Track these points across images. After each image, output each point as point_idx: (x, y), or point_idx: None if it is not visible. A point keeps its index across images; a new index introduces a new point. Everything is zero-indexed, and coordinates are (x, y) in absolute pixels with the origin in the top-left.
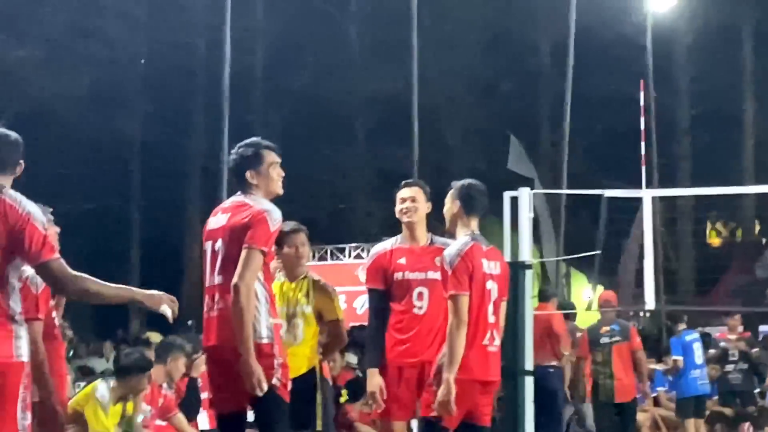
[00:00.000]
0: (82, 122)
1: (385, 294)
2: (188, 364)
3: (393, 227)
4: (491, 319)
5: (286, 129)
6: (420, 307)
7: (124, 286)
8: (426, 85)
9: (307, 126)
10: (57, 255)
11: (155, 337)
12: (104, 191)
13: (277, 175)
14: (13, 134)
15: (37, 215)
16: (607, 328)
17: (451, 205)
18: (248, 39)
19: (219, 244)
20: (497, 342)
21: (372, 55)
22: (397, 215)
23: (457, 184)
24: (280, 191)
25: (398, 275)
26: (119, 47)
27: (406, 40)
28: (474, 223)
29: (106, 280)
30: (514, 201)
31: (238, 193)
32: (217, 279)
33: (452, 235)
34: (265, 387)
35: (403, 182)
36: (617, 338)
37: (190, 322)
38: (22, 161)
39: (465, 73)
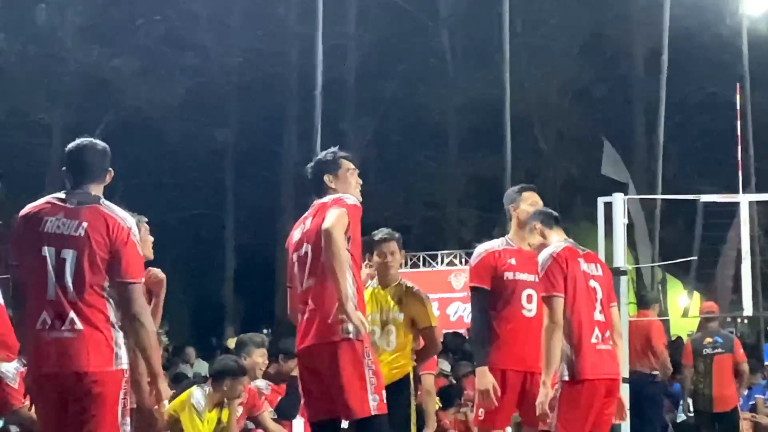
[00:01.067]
0: (176, 131)
1: (490, 294)
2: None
3: (486, 233)
4: (599, 317)
5: (378, 136)
6: (529, 310)
7: (160, 367)
8: (518, 91)
9: (400, 133)
10: (142, 280)
11: (233, 343)
12: (198, 199)
13: (355, 181)
14: (101, 143)
15: (136, 232)
16: (710, 339)
17: (535, 234)
18: (341, 47)
19: (305, 248)
20: (609, 340)
21: (464, 62)
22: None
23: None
24: (359, 198)
25: (508, 275)
26: (213, 57)
27: (498, 46)
28: (561, 233)
29: (201, 288)
30: (608, 207)
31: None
32: (309, 282)
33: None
34: (364, 331)
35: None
36: (720, 350)
37: (265, 331)
38: (111, 169)
39: (558, 78)
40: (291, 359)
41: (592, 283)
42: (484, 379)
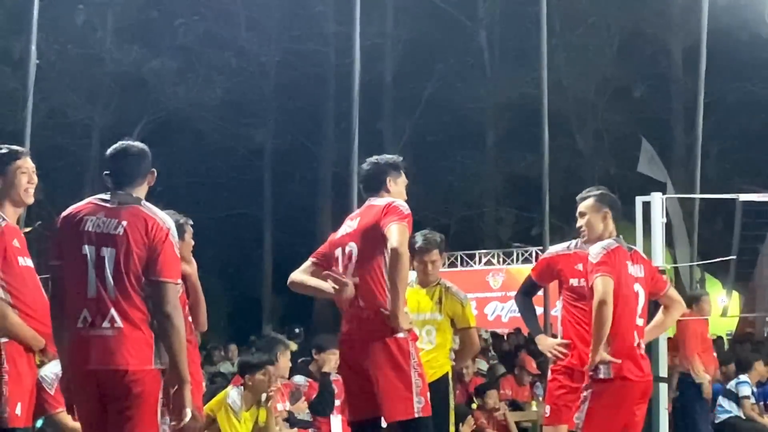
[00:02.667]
0: (215, 131)
1: (538, 287)
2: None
3: (523, 233)
4: (639, 321)
5: (415, 136)
6: None
7: (187, 372)
8: (556, 90)
9: (437, 133)
10: (179, 281)
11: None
12: (237, 198)
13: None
14: (140, 145)
15: (175, 233)
16: None
17: (597, 213)
18: (378, 47)
19: (351, 246)
20: (643, 345)
21: (502, 61)
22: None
23: (595, 194)
24: None
25: (573, 281)
26: (251, 57)
27: (535, 45)
28: (614, 228)
29: (239, 287)
30: (647, 206)
31: (372, 195)
32: (354, 281)
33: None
34: (405, 326)
35: (578, 197)
36: None
37: (297, 330)
38: (153, 170)
39: (596, 77)
40: (323, 353)
41: (636, 287)
42: (547, 341)
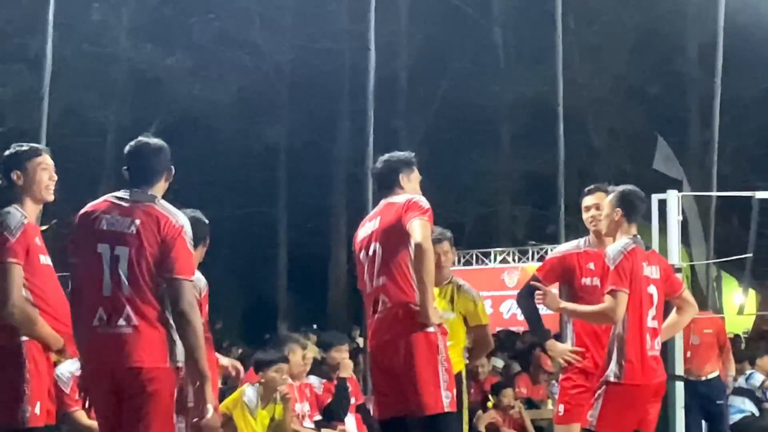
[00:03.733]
0: (229, 129)
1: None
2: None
3: (538, 231)
4: (652, 324)
5: (430, 134)
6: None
7: (207, 369)
8: (571, 87)
9: (452, 131)
10: (192, 278)
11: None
12: (251, 197)
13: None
14: (159, 142)
15: (188, 230)
16: None
17: (610, 212)
18: (393, 45)
19: (374, 247)
20: (657, 346)
21: (516, 59)
22: (586, 224)
23: (616, 190)
24: None
25: (586, 281)
26: (265, 55)
27: (550, 43)
28: (634, 229)
29: (254, 285)
30: (662, 203)
31: (387, 194)
32: (380, 281)
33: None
34: (435, 320)
35: (586, 189)
36: None
37: (315, 326)
38: (171, 167)
39: (611, 74)
40: (331, 350)
41: (651, 288)
42: (558, 347)
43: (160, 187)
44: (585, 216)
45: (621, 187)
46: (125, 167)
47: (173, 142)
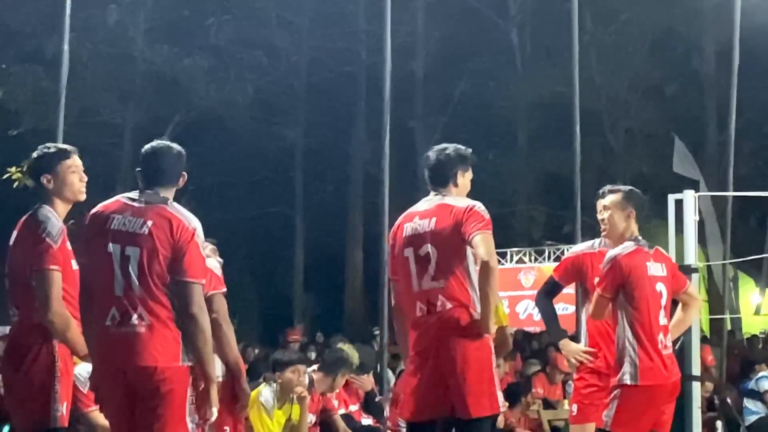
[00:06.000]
0: (246, 129)
1: (560, 288)
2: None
3: (555, 231)
4: (663, 321)
5: (447, 134)
6: None
7: (213, 372)
8: (588, 88)
9: (469, 131)
10: (203, 281)
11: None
12: (268, 197)
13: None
14: (176, 147)
15: (200, 233)
16: None
17: (621, 212)
18: (409, 45)
19: (428, 248)
20: (669, 344)
21: (533, 59)
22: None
23: (625, 190)
24: None
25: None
26: (282, 56)
27: (567, 43)
28: (636, 228)
29: (271, 284)
30: (679, 204)
31: (433, 194)
32: (435, 283)
33: (614, 241)
34: (492, 331)
35: (604, 189)
36: None
37: (376, 332)
38: (185, 173)
39: (628, 75)
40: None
41: (659, 286)
42: (571, 346)
43: (172, 191)
44: (599, 217)
45: (627, 188)
46: (138, 169)
47: (190, 143)
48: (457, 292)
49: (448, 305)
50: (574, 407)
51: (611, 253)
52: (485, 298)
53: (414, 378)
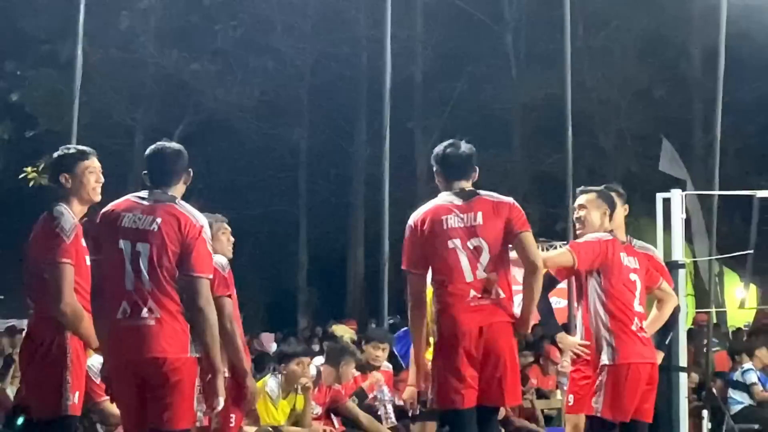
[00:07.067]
0: (252, 131)
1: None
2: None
3: (548, 228)
4: (638, 308)
5: (445, 135)
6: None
7: (221, 364)
8: (580, 91)
9: (466, 132)
10: (210, 276)
11: (340, 330)
12: (273, 196)
13: None
14: (177, 146)
15: (207, 230)
16: None
17: (597, 210)
18: (409, 50)
19: (477, 242)
20: (645, 328)
21: (527, 64)
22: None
23: (598, 190)
24: None
25: None
26: (287, 60)
27: (560, 48)
28: (609, 226)
29: (276, 281)
30: (667, 202)
31: (458, 186)
32: (487, 275)
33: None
34: (528, 330)
35: (580, 189)
36: None
37: (392, 321)
38: (189, 170)
39: (618, 78)
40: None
41: (633, 276)
42: (568, 339)
43: (179, 188)
44: (575, 216)
45: (600, 188)
46: (145, 170)
47: (198, 144)
48: (505, 284)
49: (503, 295)
50: (570, 398)
51: (593, 234)
52: (529, 296)
53: (461, 366)
